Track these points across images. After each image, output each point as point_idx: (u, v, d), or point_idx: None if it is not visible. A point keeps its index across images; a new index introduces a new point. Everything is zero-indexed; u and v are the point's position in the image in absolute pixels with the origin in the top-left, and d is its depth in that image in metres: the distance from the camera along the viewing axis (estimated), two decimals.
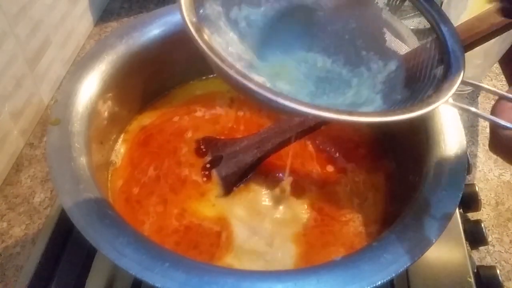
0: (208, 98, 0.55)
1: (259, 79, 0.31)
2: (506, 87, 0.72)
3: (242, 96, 0.30)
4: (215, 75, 0.57)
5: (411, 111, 0.28)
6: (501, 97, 0.31)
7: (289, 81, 0.35)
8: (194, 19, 0.29)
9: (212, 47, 0.27)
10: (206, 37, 0.28)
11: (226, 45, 0.33)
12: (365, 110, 0.32)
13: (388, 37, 0.36)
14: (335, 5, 0.37)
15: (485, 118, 0.30)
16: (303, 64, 0.36)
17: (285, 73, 0.35)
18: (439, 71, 0.32)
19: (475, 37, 0.35)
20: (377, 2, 0.36)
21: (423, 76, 0.33)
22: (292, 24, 0.37)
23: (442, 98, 0.29)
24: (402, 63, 0.35)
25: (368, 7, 0.36)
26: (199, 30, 0.28)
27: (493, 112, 0.31)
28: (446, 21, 0.34)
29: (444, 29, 0.34)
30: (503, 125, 0.29)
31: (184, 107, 0.54)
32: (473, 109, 0.31)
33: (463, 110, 0.32)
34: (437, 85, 0.31)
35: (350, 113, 0.27)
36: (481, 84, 0.33)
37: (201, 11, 0.31)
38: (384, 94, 0.33)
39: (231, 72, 0.26)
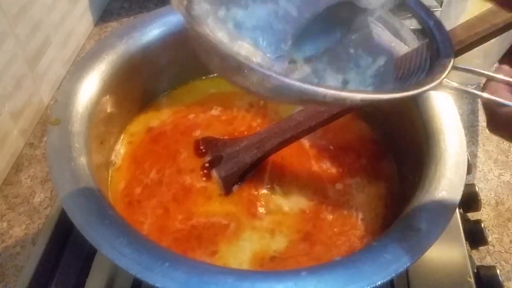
0: (226, 98, 0.54)
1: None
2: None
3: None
4: (215, 74, 0.57)
5: (406, 90, 0.28)
6: (489, 79, 0.31)
7: None
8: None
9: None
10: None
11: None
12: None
13: (386, 36, 0.36)
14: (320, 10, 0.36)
15: (483, 98, 0.31)
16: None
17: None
18: (429, 60, 0.32)
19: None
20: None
21: (414, 66, 0.33)
22: (278, 26, 0.36)
23: (436, 80, 0.29)
24: (392, 57, 0.34)
25: (355, 7, 0.36)
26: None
27: (487, 93, 0.31)
28: (431, 16, 0.34)
29: (430, 23, 0.34)
30: (503, 103, 0.29)
31: (197, 106, 0.54)
32: (472, 90, 0.31)
33: (461, 92, 0.32)
34: (429, 72, 0.31)
35: (347, 90, 0.27)
36: (472, 68, 0.33)
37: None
38: (375, 86, 0.33)
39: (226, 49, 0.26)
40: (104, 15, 0.83)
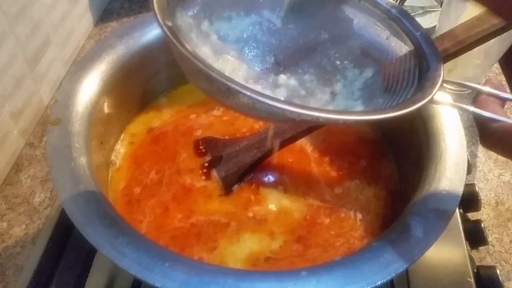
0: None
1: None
2: (506, 87, 0.72)
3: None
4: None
5: (400, 109, 0.29)
6: (480, 92, 0.32)
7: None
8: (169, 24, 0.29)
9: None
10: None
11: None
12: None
13: (385, 35, 0.36)
14: (306, 17, 0.37)
15: (475, 113, 0.31)
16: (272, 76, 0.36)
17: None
18: (417, 73, 0.32)
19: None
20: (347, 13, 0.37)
21: (402, 80, 0.33)
22: (263, 38, 0.37)
23: (427, 96, 0.29)
24: (379, 70, 0.35)
25: (340, 19, 0.36)
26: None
27: (477, 107, 0.31)
28: (418, 27, 0.35)
29: (417, 34, 0.34)
30: (493, 118, 0.29)
31: (199, 106, 0.54)
32: (464, 106, 0.32)
33: (451, 106, 0.32)
34: (419, 86, 0.31)
35: (341, 112, 0.27)
36: (462, 82, 0.34)
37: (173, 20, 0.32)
38: (364, 99, 0.34)
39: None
40: (104, 15, 0.83)
